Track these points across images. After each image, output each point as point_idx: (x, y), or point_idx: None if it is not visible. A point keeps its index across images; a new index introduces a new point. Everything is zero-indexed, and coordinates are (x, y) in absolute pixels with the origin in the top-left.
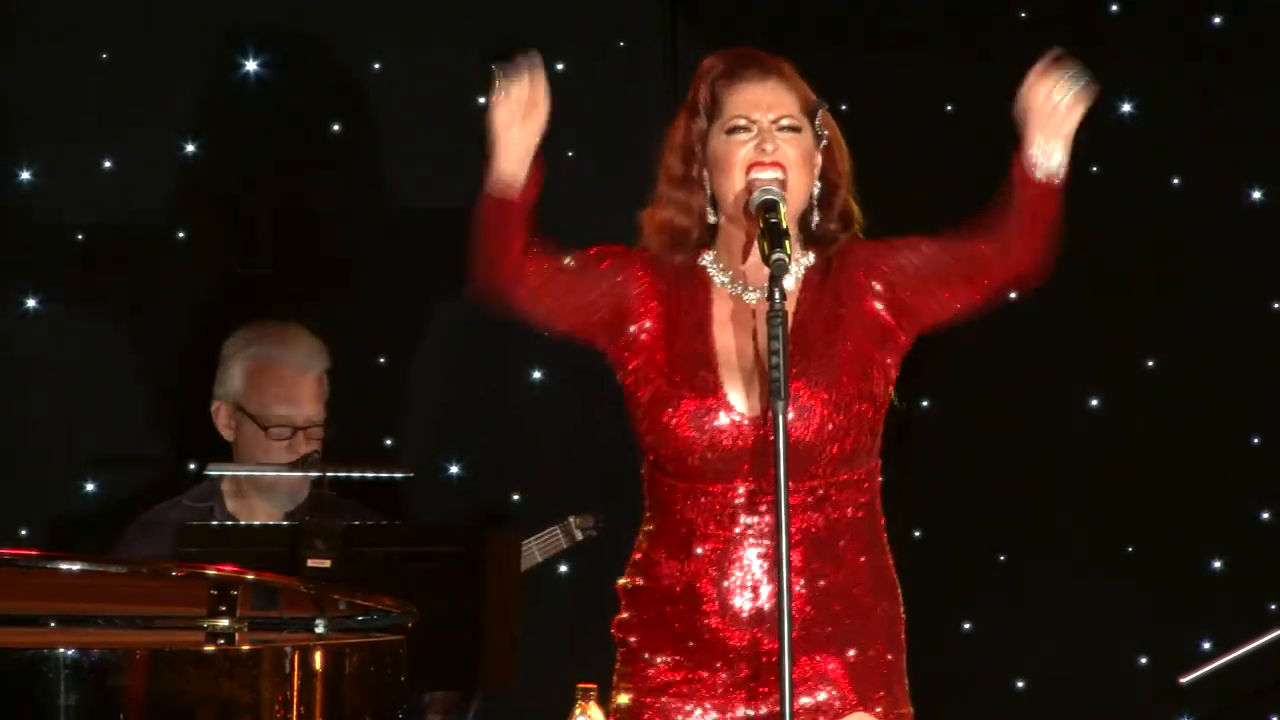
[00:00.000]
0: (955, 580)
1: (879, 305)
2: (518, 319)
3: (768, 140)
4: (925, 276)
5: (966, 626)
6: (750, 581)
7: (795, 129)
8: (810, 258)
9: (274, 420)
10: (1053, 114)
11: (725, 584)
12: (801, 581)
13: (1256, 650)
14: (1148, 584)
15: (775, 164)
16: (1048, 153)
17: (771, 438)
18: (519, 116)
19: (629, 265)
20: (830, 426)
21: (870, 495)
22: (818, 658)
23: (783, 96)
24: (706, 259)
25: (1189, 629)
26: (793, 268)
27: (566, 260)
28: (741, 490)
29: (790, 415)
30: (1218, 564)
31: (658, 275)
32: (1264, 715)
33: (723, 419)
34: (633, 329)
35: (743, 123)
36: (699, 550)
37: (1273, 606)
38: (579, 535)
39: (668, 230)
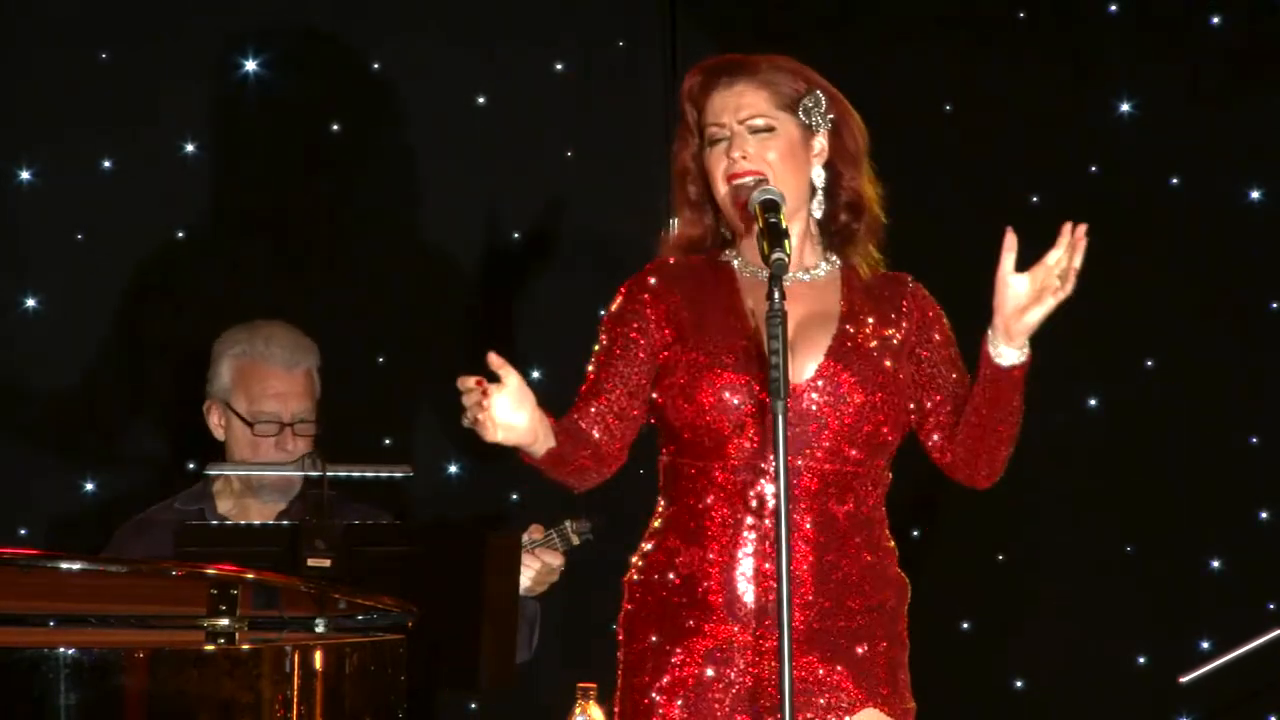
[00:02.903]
0: (955, 580)
1: (922, 351)
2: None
3: (735, 147)
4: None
5: (966, 626)
6: (763, 571)
7: (768, 128)
8: (835, 260)
9: (261, 416)
10: (1018, 311)
11: (738, 573)
12: (818, 575)
13: (1256, 650)
14: (1148, 584)
15: (750, 172)
16: (1010, 350)
17: (803, 414)
18: (513, 413)
19: (641, 310)
20: (868, 409)
21: (882, 495)
22: (830, 654)
23: (750, 97)
24: (729, 255)
25: (1189, 629)
26: (822, 264)
27: (617, 396)
28: (767, 477)
29: (822, 385)
30: (1217, 564)
31: (666, 284)
32: (1264, 715)
33: (761, 390)
34: (666, 341)
35: (715, 131)
36: (717, 535)
37: (1272, 606)
38: (575, 540)
39: (685, 243)
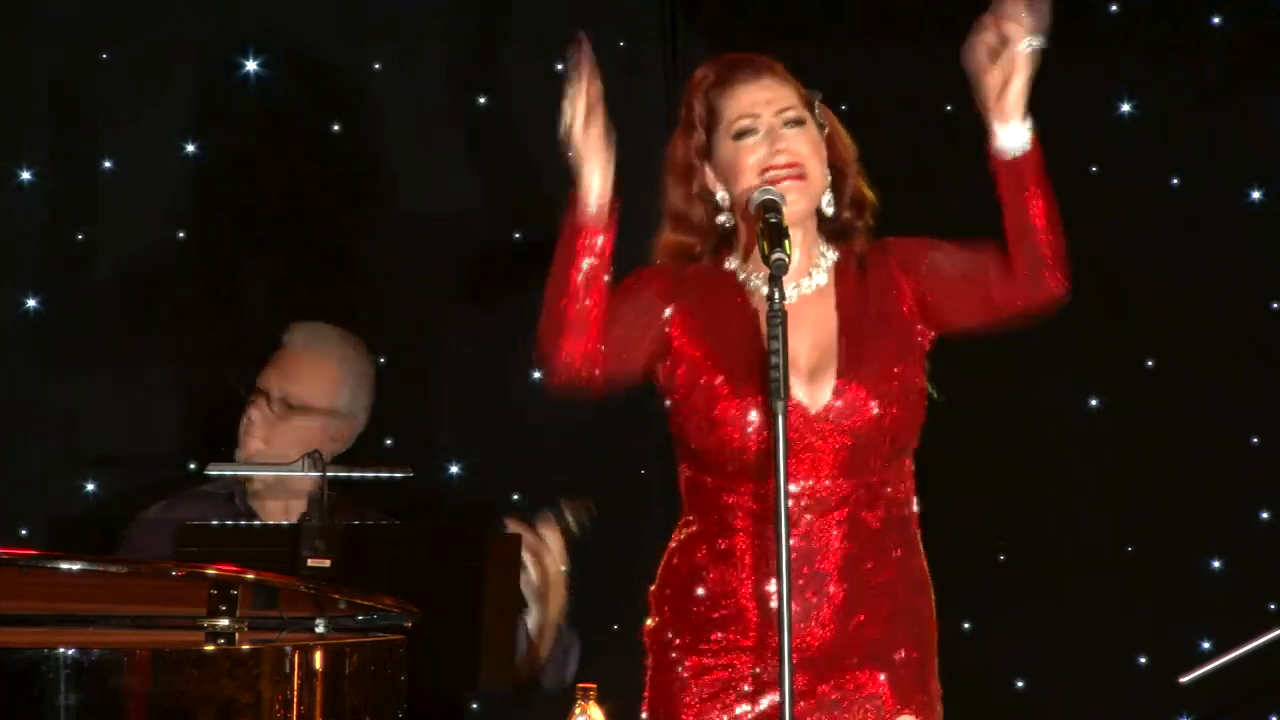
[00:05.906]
0: (955, 580)
1: (906, 304)
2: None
3: (777, 140)
4: (950, 282)
5: (966, 626)
6: (792, 583)
7: (800, 121)
8: (834, 253)
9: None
10: (997, 94)
11: (770, 584)
12: (854, 580)
13: (1256, 650)
14: (1148, 584)
15: (790, 164)
16: (1008, 133)
17: (825, 433)
18: (593, 120)
19: (652, 288)
20: (886, 421)
21: (909, 492)
22: (869, 660)
23: (781, 91)
24: (732, 263)
25: (1189, 629)
26: (821, 263)
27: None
28: (795, 487)
29: (840, 406)
30: (1217, 564)
31: (678, 283)
32: (1264, 715)
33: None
34: (675, 345)
35: (748, 123)
36: (745, 550)
37: (1273, 606)
38: (573, 526)
39: (679, 252)
